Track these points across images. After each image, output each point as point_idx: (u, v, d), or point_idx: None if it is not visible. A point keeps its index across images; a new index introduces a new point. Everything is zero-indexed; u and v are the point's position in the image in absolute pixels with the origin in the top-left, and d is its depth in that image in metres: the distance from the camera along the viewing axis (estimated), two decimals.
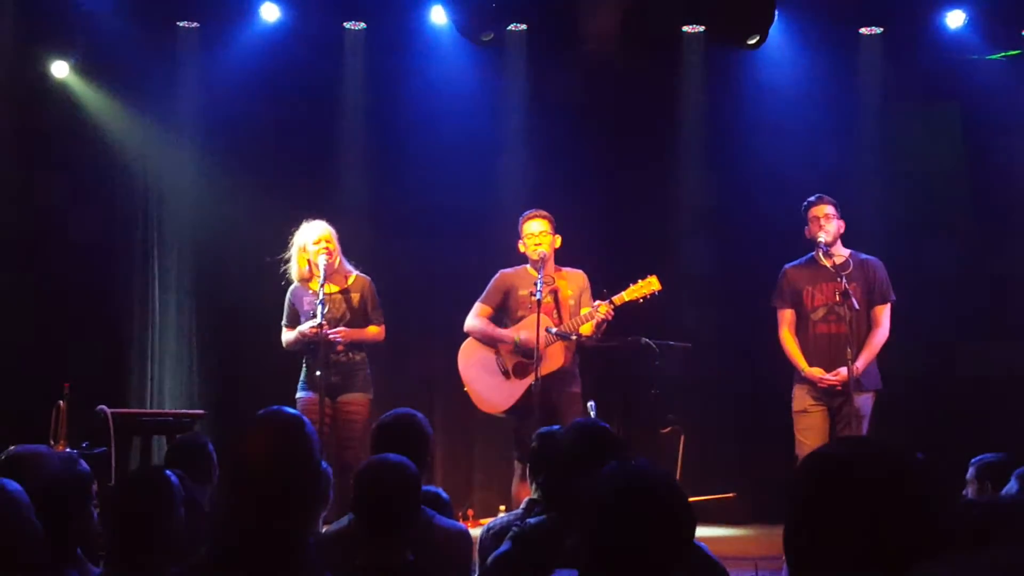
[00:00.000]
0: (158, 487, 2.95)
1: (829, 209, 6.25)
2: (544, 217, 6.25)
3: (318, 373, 5.99)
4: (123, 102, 7.97)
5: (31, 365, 7.39)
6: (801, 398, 6.22)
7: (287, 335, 6.29)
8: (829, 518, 1.49)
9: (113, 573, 2.92)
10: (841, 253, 6.27)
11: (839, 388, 6.07)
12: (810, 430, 6.09)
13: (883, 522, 1.46)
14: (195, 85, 8.02)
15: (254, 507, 2.24)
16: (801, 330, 6.30)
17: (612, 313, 6.05)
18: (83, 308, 7.77)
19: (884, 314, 6.28)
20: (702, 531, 6.14)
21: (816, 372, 6.15)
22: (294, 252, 6.28)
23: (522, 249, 6.31)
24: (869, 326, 6.24)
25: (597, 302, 6.06)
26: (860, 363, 6.06)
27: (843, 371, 6.01)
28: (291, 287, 6.35)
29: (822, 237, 6.17)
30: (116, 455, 6.04)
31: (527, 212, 6.31)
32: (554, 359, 6.13)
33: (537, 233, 6.21)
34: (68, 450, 5.73)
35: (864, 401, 6.11)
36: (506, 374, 6.28)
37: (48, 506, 2.89)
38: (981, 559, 1.16)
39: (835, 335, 6.14)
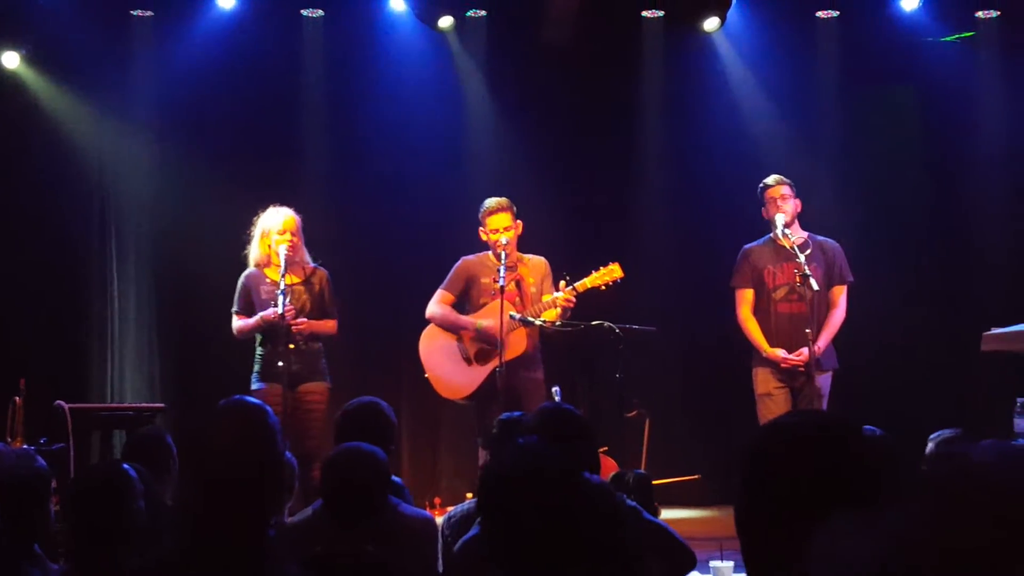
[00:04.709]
0: (116, 482, 2.92)
1: (785, 190, 6.30)
2: (506, 209, 6.22)
3: (280, 364, 5.94)
4: (76, 92, 7.84)
5: None
6: (764, 381, 6.27)
7: (239, 322, 6.21)
8: (778, 492, 1.50)
9: (73, 569, 2.89)
10: (800, 234, 6.31)
11: (801, 369, 6.12)
12: (775, 414, 6.12)
13: (832, 496, 1.46)
14: (150, 74, 7.90)
15: (216, 498, 2.22)
16: (761, 310, 6.34)
17: (574, 300, 6.06)
18: (39, 302, 7.67)
19: (842, 296, 6.35)
20: (668, 513, 6.17)
21: (777, 353, 6.19)
22: (256, 236, 6.22)
23: (483, 238, 6.29)
24: (828, 307, 6.30)
25: (560, 287, 6.07)
26: (820, 343, 6.12)
27: (805, 351, 6.06)
28: (245, 272, 6.27)
29: (780, 218, 6.21)
30: (75, 451, 5.97)
31: (489, 203, 6.26)
32: (516, 345, 6.13)
33: (500, 228, 6.18)
34: (25, 447, 5.65)
35: (823, 380, 6.19)
36: (468, 360, 6.28)
37: (5, 503, 2.85)
38: (882, 515, 1.16)
39: (796, 315, 6.20)
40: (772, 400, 6.22)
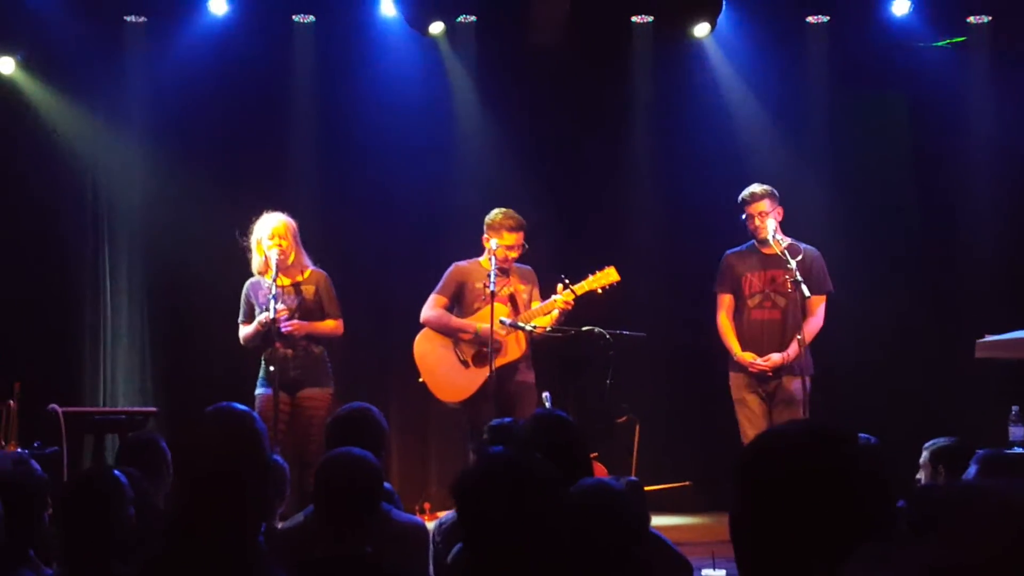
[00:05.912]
0: (105, 488, 2.94)
1: (764, 205, 6.32)
2: (523, 228, 6.27)
3: (271, 368, 5.96)
4: (70, 98, 7.85)
5: None
6: (737, 387, 6.38)
7: (244, 330, 6.24)
8: (773, 501, 1.50)
9: (65, 574, 2.90)
10: (782, 241, 6.31)
11: (769, 373, 6.22)
12: (750, 419, 6.23)
13: (828, 503, 1.47)
14: (144, 80, 7.91)
15: (202, 503, 2.24)
16: (737, 315, 6.45)
17: (572, 303, 6.11)
18: (33, 305, 7.67)
19: (820, 305, 6.38)
20: (659, 520, 6.18)
21: (747, 357, 6.28)
22: (253, 244, 6.25)
23: (487, 245, 6.30)
24: (804, 315, 6.33)
25: (558, 290, 6.12)
26: (791, 350, 6.17)
27: (773, 357, 6.20)
28: (248, 281, 6.31)
29: (771, 224, 6.25)
30: (68, 454, 5.97)
31: (507, 219, 6.27)
32: (511, 350, 6.17)
33: (515, 245, 6.23)
34: (19, 450, 5.66)
35: (797, 386, 6.21)
36: (465, 364, 6.31)
37: (3, 509, 2.87)
38: (919, 552, 1.17)
39: (768, 321, 6.30)
40: (746, 405, 6.32)
